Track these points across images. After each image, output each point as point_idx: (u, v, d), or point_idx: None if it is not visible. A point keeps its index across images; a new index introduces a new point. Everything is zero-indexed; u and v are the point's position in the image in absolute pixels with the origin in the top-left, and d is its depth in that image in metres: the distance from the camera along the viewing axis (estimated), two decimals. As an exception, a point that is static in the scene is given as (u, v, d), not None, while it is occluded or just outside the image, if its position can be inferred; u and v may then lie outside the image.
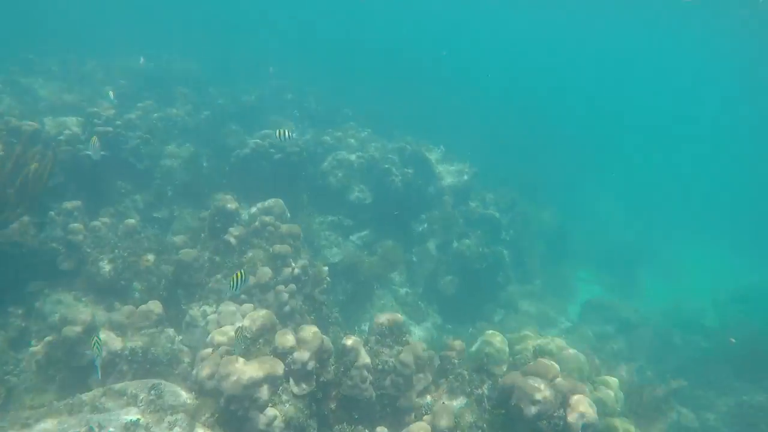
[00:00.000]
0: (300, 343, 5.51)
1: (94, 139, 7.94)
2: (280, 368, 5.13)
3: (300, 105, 17.92)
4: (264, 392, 5.03)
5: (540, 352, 6.51)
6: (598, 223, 24.66)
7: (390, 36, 43.85)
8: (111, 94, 12.48)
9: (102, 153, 8.40)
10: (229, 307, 7.21)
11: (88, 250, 8.19)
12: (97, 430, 4.28)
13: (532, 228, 16.96)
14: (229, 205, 8.89)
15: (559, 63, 50.74)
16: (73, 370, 6.35)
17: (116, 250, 8.17)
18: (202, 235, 9.39)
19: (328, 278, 9.16)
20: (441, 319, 12.96)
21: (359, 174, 13.94)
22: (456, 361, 6.98)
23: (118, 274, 7.99)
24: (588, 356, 7.12)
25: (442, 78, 33.75)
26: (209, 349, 5.47)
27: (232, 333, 5.65)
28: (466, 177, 14.58)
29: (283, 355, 5.40)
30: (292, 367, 5.41)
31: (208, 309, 8.01)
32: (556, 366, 5.27)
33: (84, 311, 6.40)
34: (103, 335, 6.21)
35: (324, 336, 5.73)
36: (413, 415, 6.52)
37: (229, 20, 38.34)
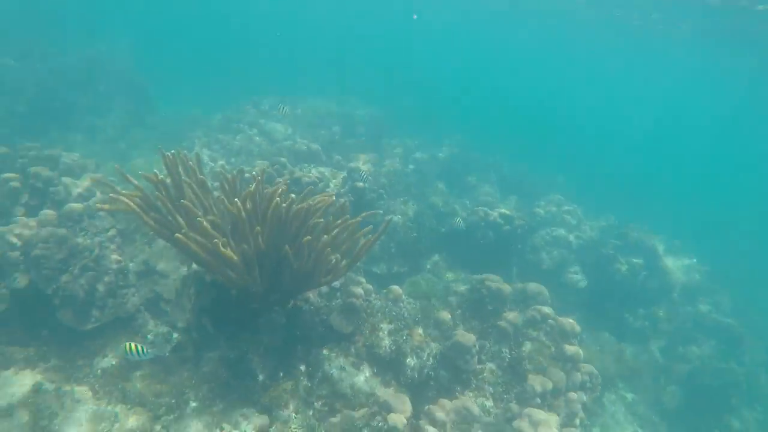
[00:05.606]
0: None
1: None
2: None
3: (493, 167, 17.44)
4: None
5: None
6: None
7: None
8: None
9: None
10: (537, 415, 6.43)
11: (364, 316, 7.91)
12: None
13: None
14: (502, 288, 8.26)
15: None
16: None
17: (394, 322, 7.80)
18: (458, 311, 8.85)
19: (599, 386, 8.09)
20: (668, 438, 11.20)
21: (575, 255, 12.91)
22: None
23: (397, 347, 7.56)
24: None
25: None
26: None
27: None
28: (696, 275, 12.92)
29: None
30: None
31: (487, 403, 7.30)
32: None
33: (404, 399, 5.94)
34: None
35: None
36: None
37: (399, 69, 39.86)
